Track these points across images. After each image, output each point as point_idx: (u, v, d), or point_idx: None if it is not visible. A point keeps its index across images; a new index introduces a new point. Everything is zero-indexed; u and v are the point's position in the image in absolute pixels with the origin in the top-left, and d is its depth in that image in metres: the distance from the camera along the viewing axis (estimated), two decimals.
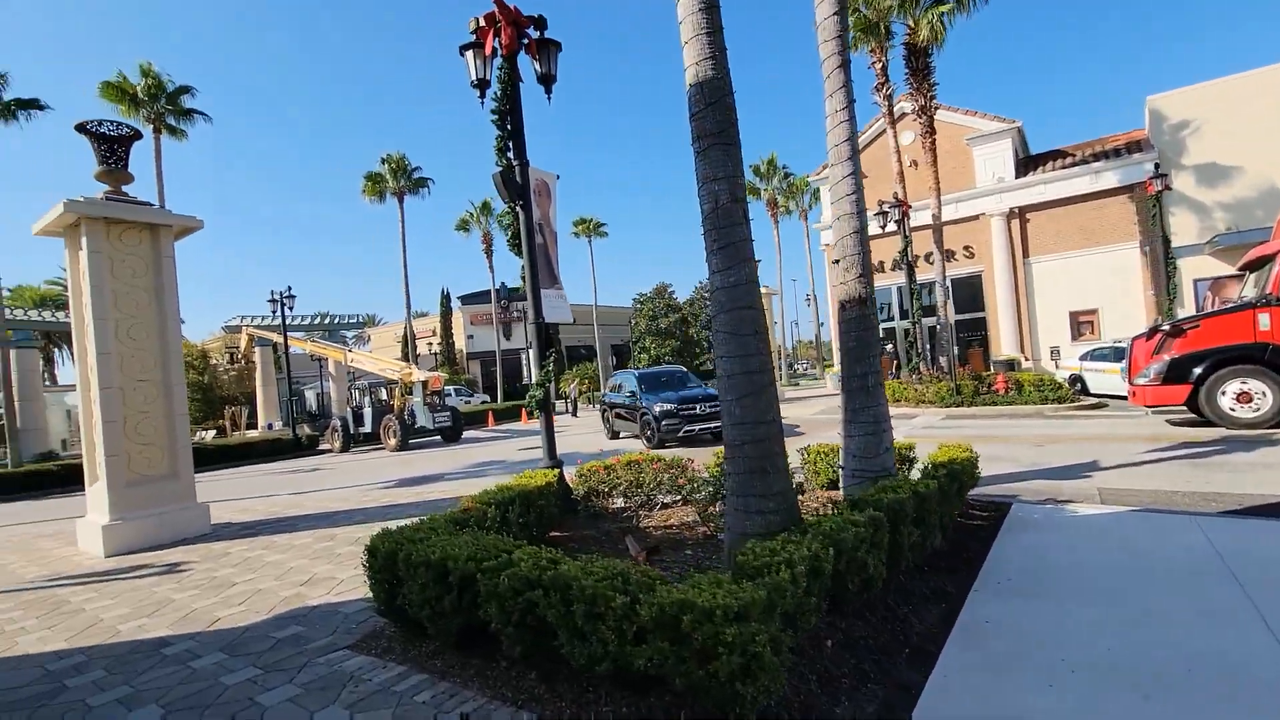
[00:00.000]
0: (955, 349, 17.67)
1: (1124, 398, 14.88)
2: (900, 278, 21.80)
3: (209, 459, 18.60)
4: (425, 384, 20.11)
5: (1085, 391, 15.97)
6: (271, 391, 32.69)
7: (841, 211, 5.32)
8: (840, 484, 5.35)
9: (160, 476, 7.87)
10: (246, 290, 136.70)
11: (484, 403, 34.40)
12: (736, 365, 4.06)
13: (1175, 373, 10.18)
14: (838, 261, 5.37)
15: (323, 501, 10.08)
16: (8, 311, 21.90)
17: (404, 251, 30.63)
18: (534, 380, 6.74)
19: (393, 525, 7.25)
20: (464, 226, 33.47)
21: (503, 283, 46.66)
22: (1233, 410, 9.79)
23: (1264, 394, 9.61)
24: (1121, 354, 15.57)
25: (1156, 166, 17.95)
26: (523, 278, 6.96)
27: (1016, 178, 22.48)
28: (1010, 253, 22.53)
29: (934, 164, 17.47)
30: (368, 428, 20.56)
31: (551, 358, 6.80)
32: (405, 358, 32.09)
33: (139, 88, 19.83)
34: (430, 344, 42.82)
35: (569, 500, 6.54)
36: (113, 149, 7.98)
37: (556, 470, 6.50)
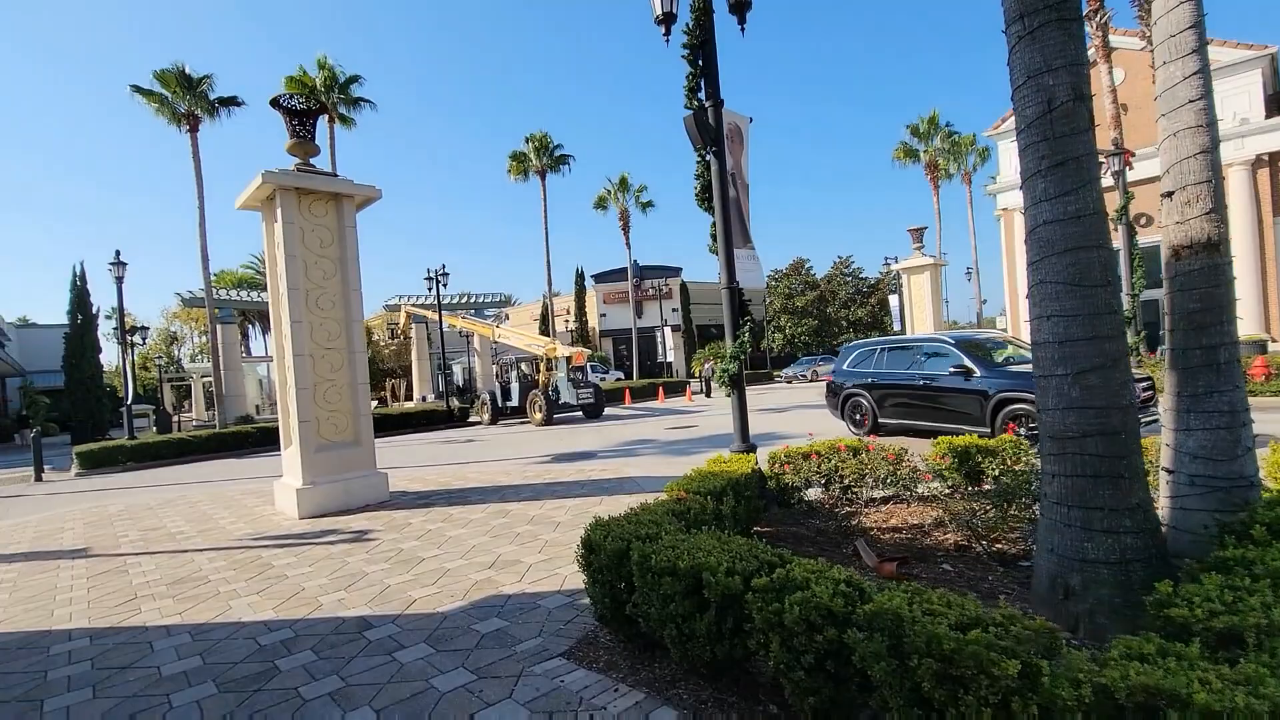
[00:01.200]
0: None
1: None
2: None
3: (374, 427, 19.96)
4: (569, 360, 20.17)
5: None
6: (425, 365, 35.03)
7: (1180, 125, 3.90)
8: (1166, 492, 4.02)
9: (345, 443, 8.03)
10: (393, 267, 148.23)
11: (618, 380, 34.58)
12: (1078, 328, 2.94)
13: None
14: (1170, 195, 3.97)
15: (486, 473, 10.04)
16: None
17: (545, 229, 31.11)
18: (727, 352, 5.91)
19: (567, 505, 6.79)
20: (601, 204, 33.48)
21: (634, 260, 46.74)
22: None
23: None
24: None
25: None
26: (713, 235, 6.13)
27: (1267, 117, 18.23)
28: (1255, 209, 18.39)
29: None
30: (515, 402, 21.07)
31: (747, 326, 5.92)
32: (545, 335, 32.96)
33: (317, 80, 21.51)
34: (566, 322, 43.89)
35: (764, 490, 5.69)
36: (302, 122, 8.15)
37: (752, 455, 5.67)
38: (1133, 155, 14.10)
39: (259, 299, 33.47)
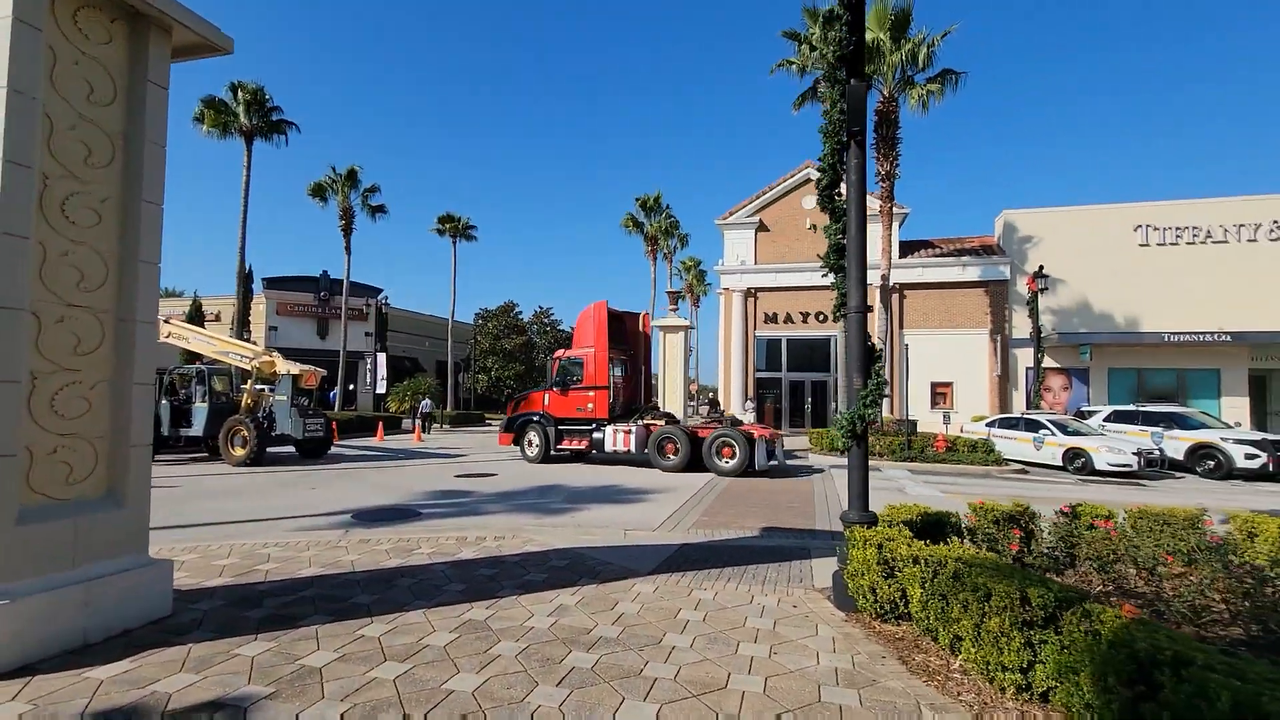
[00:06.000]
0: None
1: (1034, 465, 16.65)
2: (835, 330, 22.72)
3: None
4: (296, 379, 15.08)
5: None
6: None
7: None
8: None
9: (88, 502, 3.90)
10: None
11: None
12: None
13: (509, 424, 16.26)
14: None
15: (289, 548, 6.19)
16: None
17: (244, 208, 22.76)
18: (860, 394, 4.61)
19: (556, 602, 4.49)
20: (320, 193, 26.71)
21: (324, 271, 39.63)
22: (528, 449, 15.70)
23: (532, 443, 15.58)
24: (1031, 425, 17.53)
25: (1040, 269, 21.16)
26: None
27: (900, 257, 25.09)
28: (888, 324, 24.89)
29: (887, 230, 18.45)
30: (197, 430, 14.64)
31: (879, 367, 4.75)
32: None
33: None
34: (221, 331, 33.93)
35: None
36: None
37: (896, 530, 4.46)
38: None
39: None
